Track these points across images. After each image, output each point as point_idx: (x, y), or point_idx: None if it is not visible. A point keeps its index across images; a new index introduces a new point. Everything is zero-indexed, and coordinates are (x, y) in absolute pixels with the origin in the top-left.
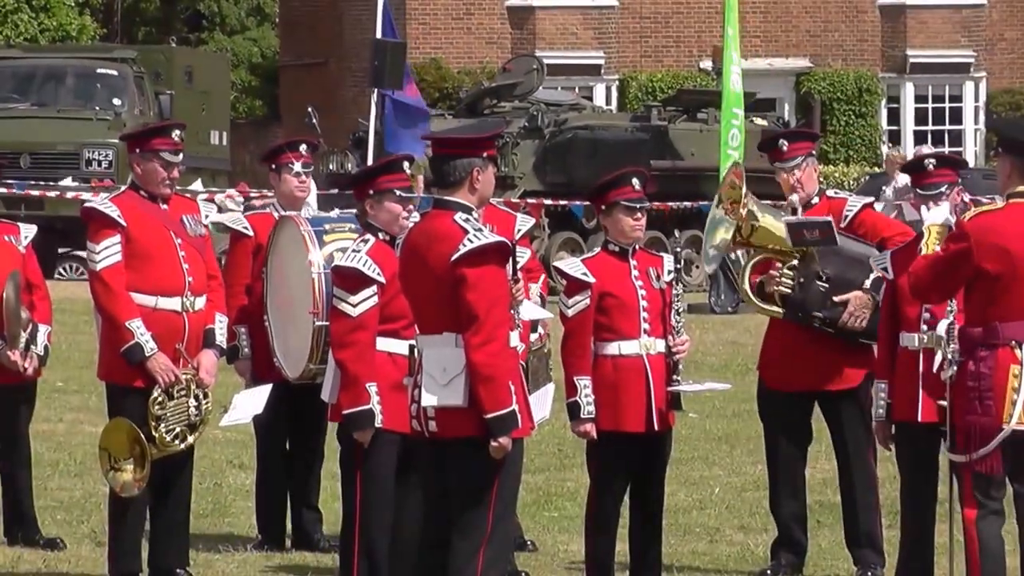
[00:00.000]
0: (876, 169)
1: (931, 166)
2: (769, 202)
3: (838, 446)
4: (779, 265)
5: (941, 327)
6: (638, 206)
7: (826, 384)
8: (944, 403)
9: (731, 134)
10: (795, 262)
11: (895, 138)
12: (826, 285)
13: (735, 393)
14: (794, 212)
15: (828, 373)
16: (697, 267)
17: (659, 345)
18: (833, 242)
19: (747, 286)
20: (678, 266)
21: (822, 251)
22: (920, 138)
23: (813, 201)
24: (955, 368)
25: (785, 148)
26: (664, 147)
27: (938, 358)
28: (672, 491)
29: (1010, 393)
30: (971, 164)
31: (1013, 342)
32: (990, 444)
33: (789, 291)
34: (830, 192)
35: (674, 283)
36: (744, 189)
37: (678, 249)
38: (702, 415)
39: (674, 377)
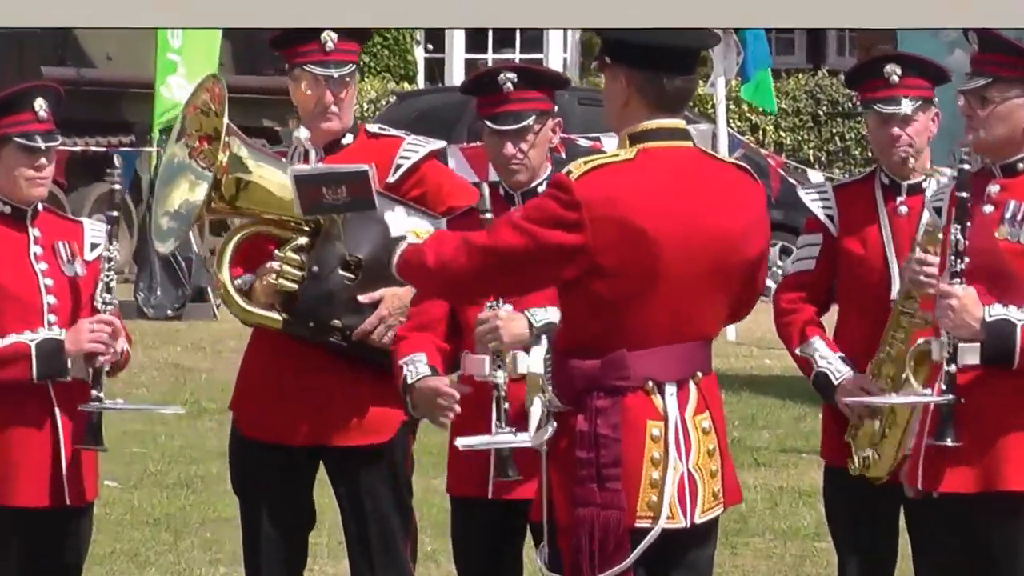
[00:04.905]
0: (407, 86)
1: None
2: (263, 141)
3: (358, 535)
4: (273, 247)
5: (531, 359)
6: (43, 146)
7: (337, 437)
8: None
9: None
10: (303, 240)
11: None
12: (353, 277)
13: (182, 449)
14: (305, 158)
15: (342, 418)
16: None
17: None
18: (369, 206)
19: (227, 279)
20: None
21: (350, 221)
22: None
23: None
24: (553, 425)
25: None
26: (65, 47)
27: (535, 410)
28: None
29: (647, 468)
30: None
31: (650, 383)
32: (626, 560)
33: (295, 287)
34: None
35: (103, 263)
36: (226, 119)
37: (113, 213)
38: (126, 484)
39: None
